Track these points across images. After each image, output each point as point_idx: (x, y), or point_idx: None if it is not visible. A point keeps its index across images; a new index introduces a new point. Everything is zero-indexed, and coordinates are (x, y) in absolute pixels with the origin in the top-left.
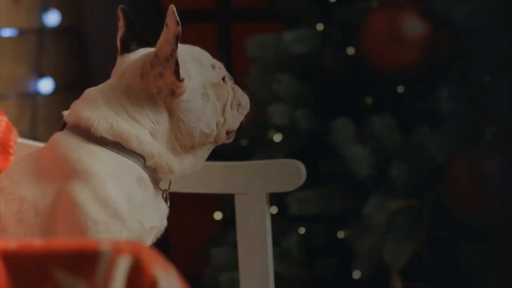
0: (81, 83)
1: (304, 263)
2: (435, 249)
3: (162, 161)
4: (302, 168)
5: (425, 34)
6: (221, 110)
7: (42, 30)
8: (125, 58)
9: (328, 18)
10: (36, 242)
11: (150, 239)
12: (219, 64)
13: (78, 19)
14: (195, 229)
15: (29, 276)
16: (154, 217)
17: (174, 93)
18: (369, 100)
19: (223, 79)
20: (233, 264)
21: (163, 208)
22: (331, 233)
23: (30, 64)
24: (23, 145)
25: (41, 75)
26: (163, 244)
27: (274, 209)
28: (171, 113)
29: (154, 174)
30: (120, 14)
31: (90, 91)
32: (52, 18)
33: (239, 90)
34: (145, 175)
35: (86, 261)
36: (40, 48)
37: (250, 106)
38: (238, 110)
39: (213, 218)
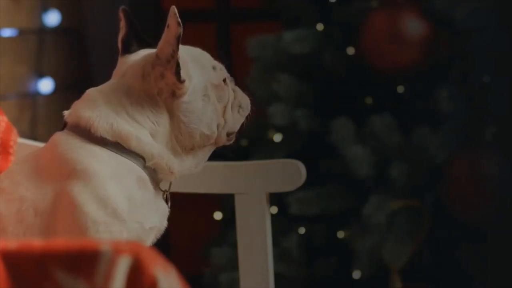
0: (81, 83)
1: (304, 263)
2: (435, 249)
3: (162, 161)
4: (302, 168)
5: (425, 34)
6: (221, 111)
7: (42, 30)
8: (126, 58)
9: (328, 18)
10: (36, 242)
11: (150, 239)
12: (220, 66)
13: (78, 19)
14: (195, 229)
15: (29, 276)
16: (154, 217)
17: (175, 94)
18: (369, 100)
19: (224, 80)
20: (233, 264)
21: (163, 209)
22: (331, 233)
23: (30, 64)
24: (23, 145)
25: (41, 75)
26: (163, 244)
27: (274, 209)
28: (171, 114)
29: (154, 174)
30: (121, 14)
31: (90, 91)
32: (52, 18)
33: (240, 92)
34: (145, 175)
35: (86, 261)
36: (40, 48)
37: (251, 107)
38: (238, 111)
39: (213, 218)
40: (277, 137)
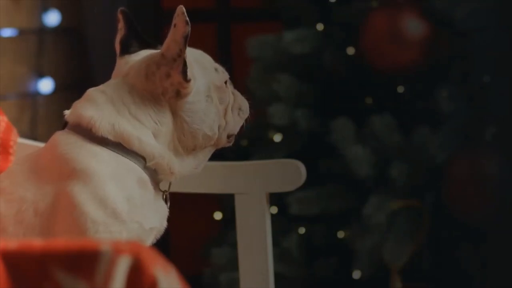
0: (81, 83)
1: (304, 263)
2: (435, 249)
3: (163, 162)
4: (302, 168)
5: (425, 34)
6: (223, 113)
7: (42, 30)
8: (126, 59)
9: (328, 18)
10: (36, 242)
11: (150, 240)
12: (221, 68)
13: (78, 19)
14: (195, 229)
15: (29, 276)
16: (154, 217)
17: (179, 94)
18: (369, 100)
19: (225, 83)
20: (233, 264)
21: (163, 209)
22: (331, 233)
23: (30, 64)
24: (23, 145)
25: (41, 75)
26: (163, 244)
27: (274, 209)
28: (174, 114)
29: (155, 175)
30: (120, 16)
31: (92, 91)
32: (52, 18)
33: (239, 95)
34: (145, 175)
35: (86, 261)
36: (40, 48)
37: (250, 110)
38: (238, 114)
39: (213, 218)
40: (277, 137)
